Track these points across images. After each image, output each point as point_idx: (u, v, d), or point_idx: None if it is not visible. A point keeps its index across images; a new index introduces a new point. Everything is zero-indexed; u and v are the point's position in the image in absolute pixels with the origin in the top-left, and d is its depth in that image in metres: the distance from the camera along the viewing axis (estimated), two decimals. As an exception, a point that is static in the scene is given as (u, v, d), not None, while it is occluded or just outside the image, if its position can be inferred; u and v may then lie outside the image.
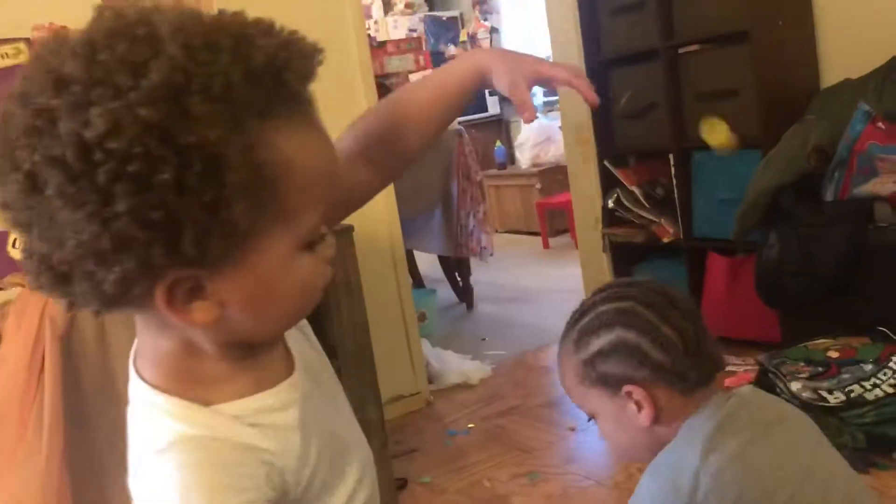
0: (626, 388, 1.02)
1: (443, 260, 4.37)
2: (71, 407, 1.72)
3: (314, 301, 0.69)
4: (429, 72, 5.06)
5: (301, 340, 0.78)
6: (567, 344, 1.08)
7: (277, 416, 0.67)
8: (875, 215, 2.40)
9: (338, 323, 2.12)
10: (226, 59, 0.55)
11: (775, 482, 0.97)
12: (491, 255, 4.08)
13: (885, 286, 2.31)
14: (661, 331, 1.01)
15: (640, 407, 1.02)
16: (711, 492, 0.95)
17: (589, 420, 1.10)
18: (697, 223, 2.99)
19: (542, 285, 4.48)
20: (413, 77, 4.43)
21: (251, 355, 0.68)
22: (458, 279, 4.32)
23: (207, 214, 0.55)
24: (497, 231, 5.77)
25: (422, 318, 3.41)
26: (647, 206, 3.15)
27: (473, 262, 4.24)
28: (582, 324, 1.07)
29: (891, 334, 2.26)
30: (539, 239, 5.67)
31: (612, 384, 1.03)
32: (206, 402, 0.64)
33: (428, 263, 4.61)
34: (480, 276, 4.40)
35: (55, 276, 0.58)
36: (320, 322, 2.18)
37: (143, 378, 0.66)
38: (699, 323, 1.05)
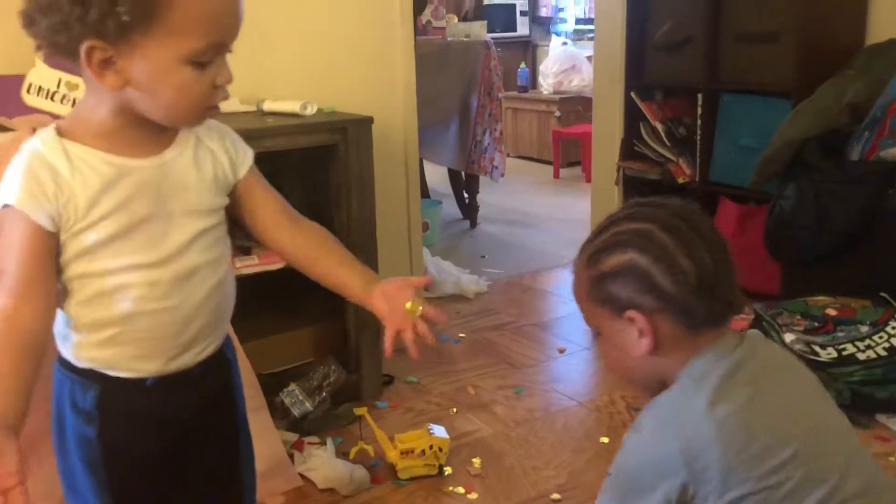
0: (630, 312, 1.00)
1: (452, 175, 4.34)
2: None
3: (192, 108, 0.93)
4: None
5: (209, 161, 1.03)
6: (582, 258, 1.06)
7: (94, 166, 0.93)
8: (896, 181, 2.37)
9: (346, 214, 2.11)
10: None
11: (782, 436, 0.96)
12: (502, 175, 4.05)
13: (894, 252, 2.30)
14: (675, 260, 0.98)
15: (641, 334, 1.01)
16: (715, 440, 0.93)
17: (595, 336, 1.09)
18: (715, 167, 2.96)
19: (547, 213, 4.46)
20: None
21: (133, 131, 0.94)
22: (465, 196, 4.30)
23: (107, 5, 0.83)
24: (509, 155, 5.72)
25: (424, 228, 3.41)
26: (667, 143, 3.11)
27: (482, 180, 4.21)
28: (599, 240, 1.04)
29: (891, 300, 2.26)
30: (550, 168, 5.62)
31: (616, 306, 1.01)
32: (66, 138, 0.93)
33: (436, 176, 4.57)
34: (487, 196, 4.37)
35: (24, 20, 0.88)
36: (330, 211, 2.17)
37: (55, 123, 0.95)
38: (723, 257, 1.01)
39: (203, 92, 0.92)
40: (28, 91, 1.93)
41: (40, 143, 0.93)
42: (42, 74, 1.93)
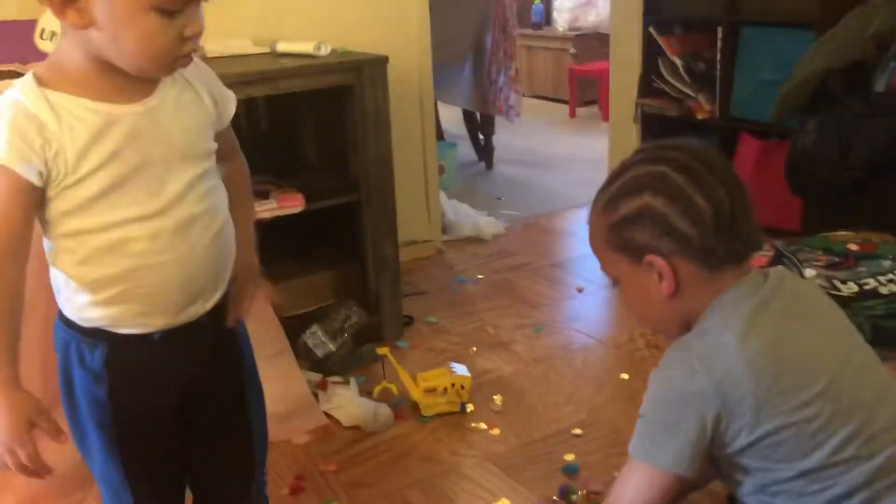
0: (648, 257, 1.00)
1: (466, 116, 4.29)
2: None
3: (157, 56, 0.88)
4: None
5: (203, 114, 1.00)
6: (597, 205, 1.06)
7: (81, 116, 0.89)
8: (923, 112, 2.32)
9: (363, 155, 2.10)
10: None
11: (812, 370, 0.96)
12: (518, 115, 4.00)
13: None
14: (691, 200, 0.97)
15: (661, 277, 1.00)
16: (746, 374, 0.94)
17: (614, 285, 1.08)
18: (735, 102, 2.91)
19: (564, 153, 4.42)
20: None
21: (112, 78, 0.90)
22: (480, 137, 4.26)
23: None
24: (523, 95, 5.65)
25: (440, 170, 3.39)
26: (686, 79, 3.05)
27: (497, 121, 4.16)
28: (614, 186, 1.04)
29: (912, 236, 2.24)
30: (566, 107, 5.55)
31: (635, 252, 1.01)
32: (47, 87, 0.89)
33: (451, 118, 4.53)
34: (502, 137, 4.33)
35: None
36: (346, 153, 2.16)
37: (33, 71, 0.91)
38: (739, 195, 1.00)
39: (169, 42, 0.88)
40: (41, 36, 1.91)
41: (21, 95, 0.88)
42: (54, 19, 1.91)
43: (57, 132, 0.88)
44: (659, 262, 0.99)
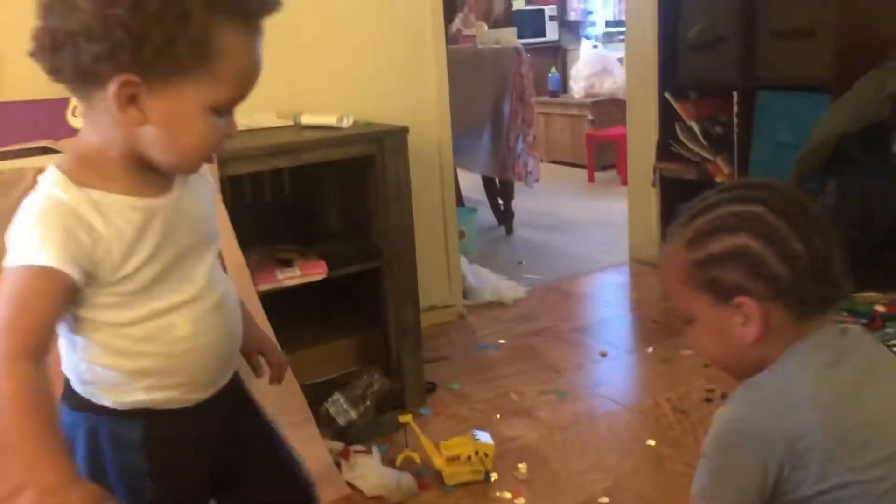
0: (739, 299, 0.95)
1: (486, 182, 4.34)
2: None
3: (203, 155, 0.94)
4: None
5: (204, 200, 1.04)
6: (678, 241, 1.00)
7: (124, 215, 0.91)
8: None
9: (384, 223, 2.12)
10: None
11: (886, 431, 0.92)
12: (536, 180, 4.04)
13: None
14: (789, 244, 0.93)
15: (747, 322, 0.96)
16: (818, 425, 0.90)
17: (686, 323, 1.04)
18: (754, 165, 2.92)
19: (583, 217, 4.44)
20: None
21: (143, 172, 0.93)
22: (500, 202, 4.30)
23: (165, 43, 0.83)
24: (542, 161, 5.71)
25: (460, 235, 3.41)
26: (703, 143, 3.08)
27: (517, 186, 4.20)
28: (701, 222, 0.98)
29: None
30: (584, 172, 5.60)
31: (722, 292, 0.96)
32: (84, 185, 0.90)
33: (470, 184, 4.58)
34: (521, 202, 4.37)
35: (53, 41, 0.85)
36: (368, 221, 2.19)
37: (56, 165, 0.92)
38: (831, 240, 0.96)
39: (217, 140, 0.92)
40: (73, 114, 1.98)
41: (64, 195, 0.88)
42: (86, 96, 1.98)
43: (104, 233, 0.89)
44: (750, 304, 0.95)
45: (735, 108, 2.94)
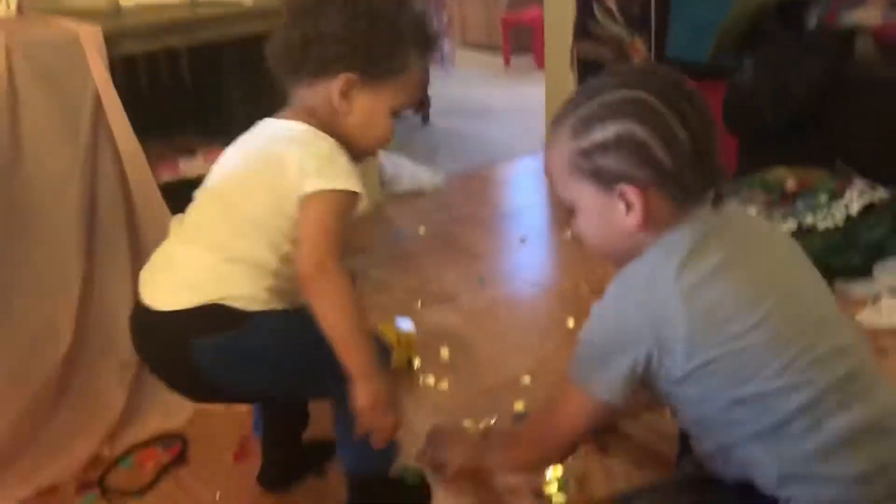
0: (622, 186, 0.95)
1: (400, 67, 4.19)
2: None
3: (380, 146, 1.24)
4: None
5: None
6: (562, 129, 0.99)
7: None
8: (855, 48, 2.34)
9: (293, 107, 2.00)
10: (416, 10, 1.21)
11: (749, 301, 0.94)
12: (452, 65, 3.92)
13: (852, 120, 2.29)
14: (673, 130, 0.93)
15: (629, 209, 0.96)
16: (681, 311, 0.93)
17: (570, 211, 1.04)
18: (671, 44, 2.88)
19: (501, 103, 4.36)
20: None
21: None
22: (416, 89, 4.17)
23: (384, 55, 1.15)
24: (457, 46, 5.54)
25: (376, 123, 3.30)
26: (621, 21, 3.02)
27: (432, 71, 4.07)
28: (585, 109, 0.97)
29: (848, 169, 2.27)
30: (500, 57, 5.48)
31: (606, 180, 0.96)
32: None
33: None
34: (437, 88, 4.24)
35: (304, 41, 1.14)
36: (274, 107, 2.05)
37: (305, 123, 1.17)
38: (711, 127, 0.96)
39: (390, 137, 1.21)
40: None
41: (329, 140, 1.15)
42: None
43: None
44: (633, 192, 0.95)
45: (653, -15, 2.87)
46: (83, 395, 1.58)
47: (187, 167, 1.85)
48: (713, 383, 0.95)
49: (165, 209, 1.65)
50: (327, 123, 1.16)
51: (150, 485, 1.47)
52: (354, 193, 1.11)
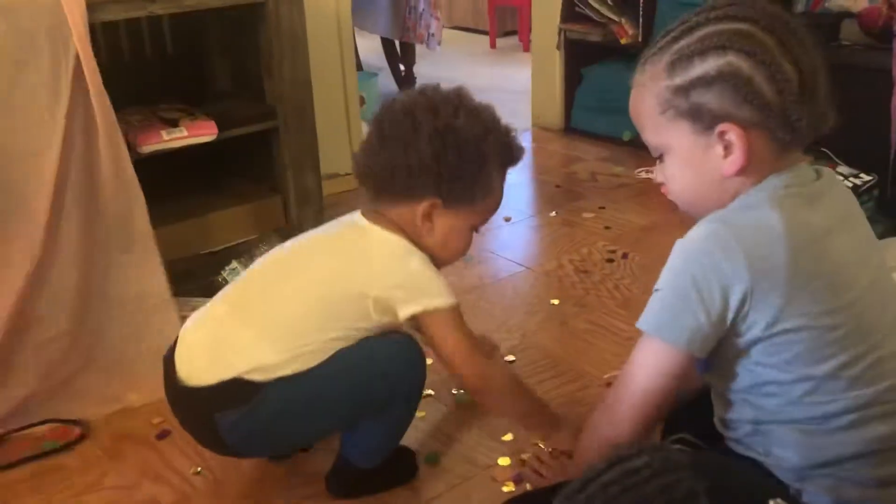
0: (722, 126, 0.88)
1: (386, 47, 4.15)
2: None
3: (459, 257, 1.28)
4: None
5: None
6: (655, 65, 0.91)
7: None
8: (841, 33, 2.34)
9: (279, 78, 1.98)
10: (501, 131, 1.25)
11: (848, 279, 0.90)
12: (438, 44, 3.89)
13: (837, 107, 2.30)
14: (779, 64, 0.85)
15: (729, 151, 0.89)
16: (788, 262, 0.86)
17: (658, 157, 0.97)
18: (659, 26, 2.88)
19: (486, 83, 4.33)
20: None
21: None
22: (401, 67, 4.14)
23: (468, 183, 1.19)
24: (444, 27, 5.50)
25: (361, 101, 3.27)
26: (609, 2, 3.01)
27: (418, 51, 4.04)
28: (683, 43, 0.89)
29: (832, 155, 2.28)
30: (485, 38, 5.45)
31: (704, 119, 0.89)
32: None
33: (370, 49, 4.38)
34: (423, 69, 4.22)
35: (390, 169, 1.18)
36: (259, 77, 2.03)
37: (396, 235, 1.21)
38: (819, 61, 0.89)
39: (468, 248, 1.27)
40: None
41: (417, 251, 1.22)
42: None
43: None
44: (735, 132, 0.87)
45: (642, -34, 2.86)
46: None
47: (171, 138, 1.82)
48: (790, 354, 0.89)
49: (137, 187, 1.62)
50: (411, 235, 1.21)
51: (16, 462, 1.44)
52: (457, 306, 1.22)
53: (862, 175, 2.18)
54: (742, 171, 0.90)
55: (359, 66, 4.17)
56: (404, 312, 1.18)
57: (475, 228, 1.25)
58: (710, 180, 0.92)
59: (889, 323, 0.93)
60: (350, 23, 2.74)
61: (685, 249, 0.91)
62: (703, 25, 0.89)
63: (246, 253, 2.02)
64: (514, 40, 5.35)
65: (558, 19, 3.19)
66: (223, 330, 1.18)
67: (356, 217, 1.24)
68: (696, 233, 0.91)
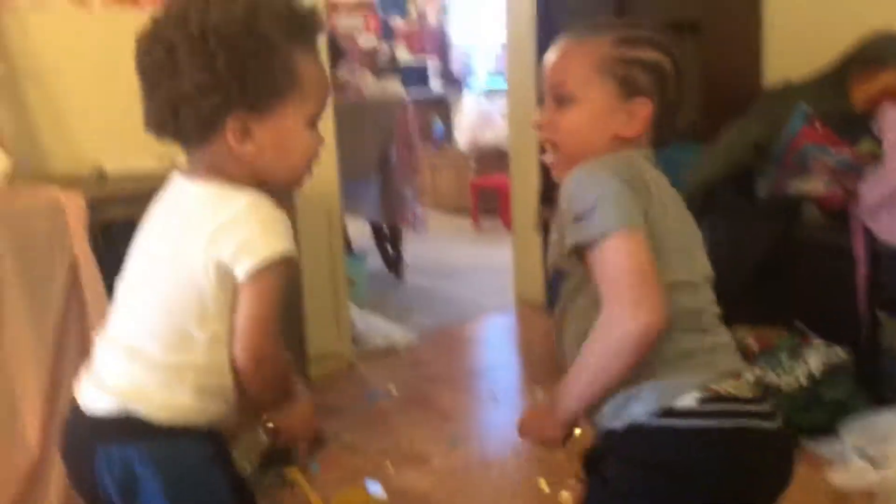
0: (642, 98, 1.08)
1: (374, 229, 4.32)
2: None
3: (309, 167, 1.07)
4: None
5: None
6: (605, 34, 1.11)
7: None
8: (803, 215, 2.48)
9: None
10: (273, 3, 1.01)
11: (684, 238, 1.10)
12: (425, 227, 4.06)
13: (804, 283, 2.40)
14: (683, 83, 1.11)
15: (631, 119, 1.08)
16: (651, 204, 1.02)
17: (562, 102, 1.11)
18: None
19: (471, 262, 4.48)
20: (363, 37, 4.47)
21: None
22: (389, 249, 4.28)
23: (263, 73, 0.98)
24: (429, 210, 5.75)
25: (351, 284, 3.36)
26: (584, 188, 3.18)
27: (404, 235, 4.20)
28: (632, 32, 1.12)
29: (806, 329, 2.34)
30: (469, 220, 5.67)
31: (630, 89, 1.08)
32: None
33: (358, 231, 4.55)
34: (410, 249, 4.36)
35: (173, 108, 0.97)
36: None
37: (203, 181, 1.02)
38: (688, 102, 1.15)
39: (316, 151, 1.07)
40: None
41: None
42: None
43: None
44: (648, 108, 1.08)
45: (613, 156, 3.05)
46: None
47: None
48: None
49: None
50: (240, 175, 1.01)
51: None
52: (286, 261, 0.98)
53: (835, 347, 2.23)
54: (629, 138, 1.10)
55: (349, 248, 4.34)
56: (239, 270, 0.98)
57: (311, 122, 1.04)
58: (601, 136, 1.10)
59: (699, 271, 1.13)
60: (339, 211, 2.89)
61: (594, 168, 1.04)
62: (643, 28, 1.13)
63: (230, 440, 2.00)
64: (496, 220, 5.57)
65: (535, 202, 3.35)
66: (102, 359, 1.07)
67: (176, 181, 1.06)
68: (590, 163, 1.05)
